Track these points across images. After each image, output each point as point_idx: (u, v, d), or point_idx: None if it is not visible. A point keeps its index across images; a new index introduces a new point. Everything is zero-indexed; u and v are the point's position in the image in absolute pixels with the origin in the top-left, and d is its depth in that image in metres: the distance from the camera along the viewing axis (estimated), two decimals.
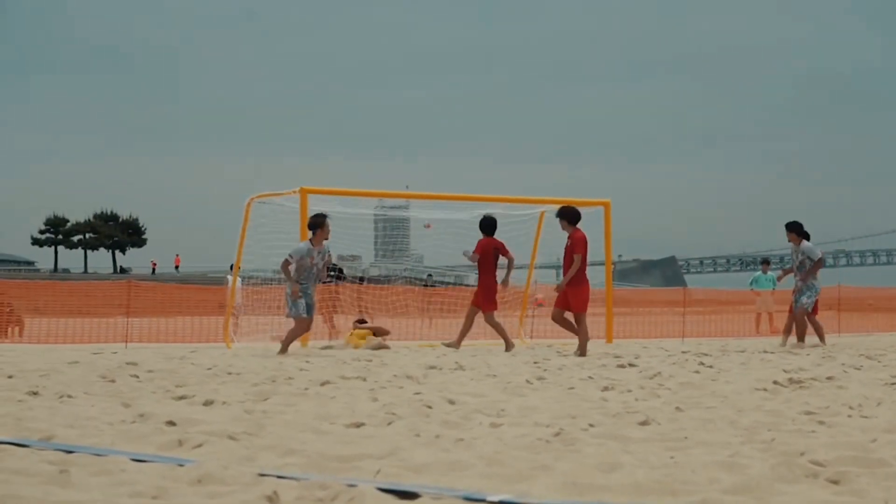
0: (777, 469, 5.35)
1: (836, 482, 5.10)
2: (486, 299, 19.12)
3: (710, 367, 13.33)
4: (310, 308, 16.93)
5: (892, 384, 10.57)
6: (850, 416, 7.86)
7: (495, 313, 19.47)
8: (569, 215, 17.34)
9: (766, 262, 35.58)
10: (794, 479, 5.18)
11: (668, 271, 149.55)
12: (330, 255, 17.29)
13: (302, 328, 16.98)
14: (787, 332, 20.17)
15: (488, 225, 19.48)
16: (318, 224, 16.95)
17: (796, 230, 20.26)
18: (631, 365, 13.67)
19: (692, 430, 7.01)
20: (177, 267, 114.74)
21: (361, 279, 29.04)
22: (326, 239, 17.07)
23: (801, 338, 19.69)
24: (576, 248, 17.18)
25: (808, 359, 15.06)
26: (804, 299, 19.89)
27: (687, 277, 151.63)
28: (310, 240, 17.01)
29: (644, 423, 7.36)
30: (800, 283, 19.99)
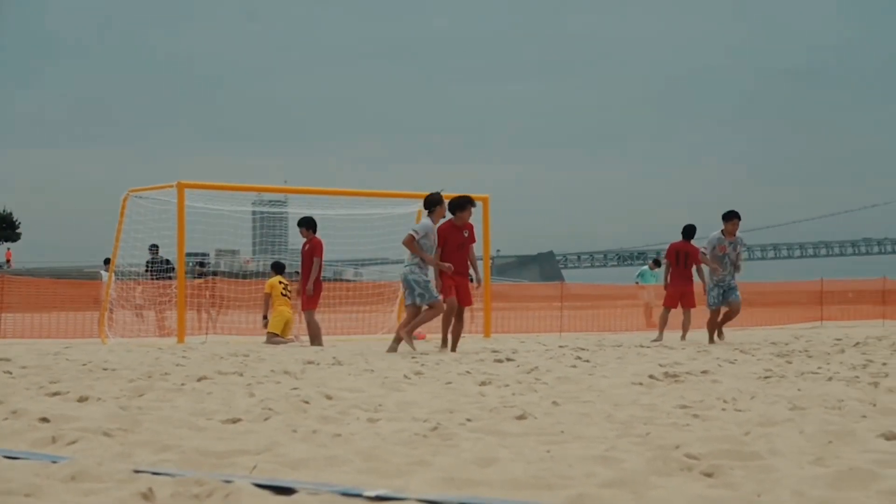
0: (652, 462, 5.40)
1: (710, 475, 5.15)
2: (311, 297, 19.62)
3: (587, 361, 13.43)
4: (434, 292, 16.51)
5: (766, 378, 10.72)
6: (724, 409, 7.96)
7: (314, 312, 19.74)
8: (449, 205, 16.94)
9: (656, 261, 36.14)
10: (669, 472, 5.23)
11: (545, 266, 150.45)
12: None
13: (439, 312, 16.54)
14: (716, 328, 19.51)
15: (305, 223, 19.83)
16: (437, 202, 16.63)
17: (739, 219, 19.13)
18: (508, 360, 13.72)
19: (569, 425, 7.05)
20: (7, 261, 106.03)
21: (214, 273, 28.73)
22: (443, 217, 16.72)
23: (719, 333, 19.46)
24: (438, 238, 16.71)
25: (683, 353, 15.24)
26: (737, 293, 19.15)
27: (564, 272, 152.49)
28: (430, 217, 16.65)
29: (521, 418, 7.38)
30: (730, 279, 19.07)
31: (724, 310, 19.32)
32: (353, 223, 26.26)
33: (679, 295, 21.24)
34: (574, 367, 12.51)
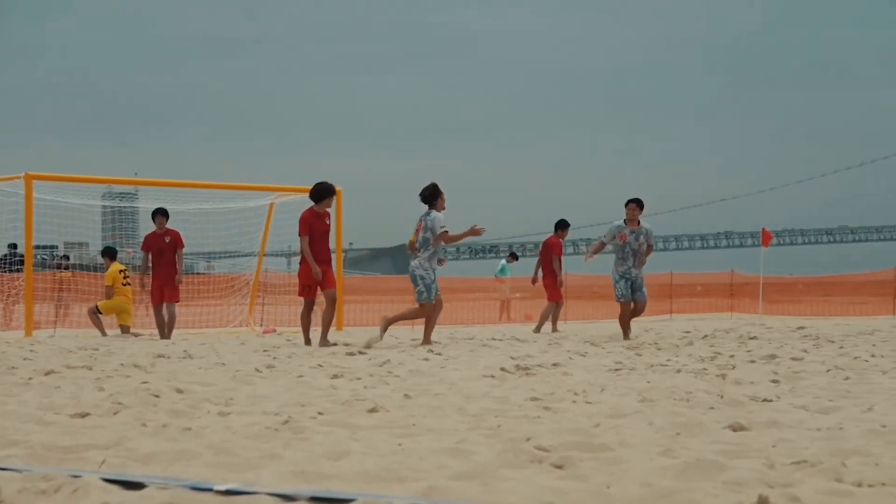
0: (503, 455, 5.43)
1: (560, 467, 5.19)
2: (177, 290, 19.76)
3: (439, 354, 13.46)
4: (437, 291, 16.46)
5: (616, 370, 10.83)
6: (574, 401, 8.03)
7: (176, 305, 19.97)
8: (313, 192, 16.80)
9: (514, 255, 36.54)
10: (520, 464, 5.26)
11: (398, 259, 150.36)
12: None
13: (427, 312, 16.46)
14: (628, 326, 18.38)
15: (165, 212, 19.88)
16: (437, 194, 16.48)
17: (643, 208, 18.23)
18: (360, 353, 13.71)
19: (420, 418, 7.06)
20: None
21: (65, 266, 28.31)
22: (444, 209, 16.57)
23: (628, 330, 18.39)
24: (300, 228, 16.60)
25: (534, 346, 15.33)
26: (643, 291, 18.22)
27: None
28: (434, 209, 16.46)
29: (373, 411, 7.38)
30: (636, 272, 18.09)
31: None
32: (204, 216, 26.07)
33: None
34: (426, 360, 12.53)
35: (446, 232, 16.24)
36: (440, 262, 16.26)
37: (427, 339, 16.24)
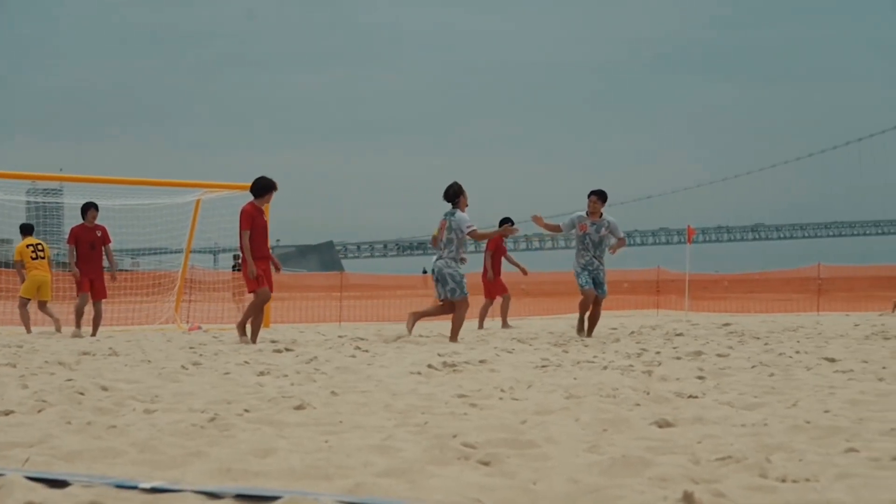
0: (430, 451, 5.43)
1: (486, 464, 5.20)
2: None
3: (366, 351, 13.44)
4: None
5: (543, 367, 10.87)
6: (501, 398, 8.04)
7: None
8: (255, 188, 16.63)
9: None
10: (447, 461, 5.26)
11: (325, 256, 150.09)
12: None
13: (468, 307, 16.47)
14: (593, 322, 17.86)
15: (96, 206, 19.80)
16: (460, 192, 16.42)
17: (605, 200, 17.72)
18: (287, 350, 13.67)
19: (347, 415, 7.05)
20: None
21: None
22: (467, 206, 16.52)
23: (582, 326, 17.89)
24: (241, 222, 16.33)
25: (462, 343, 15.36)
26: (604, 288, 17.71)
27: (345, 262, 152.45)
28: (457, 208, 16.44)
29: (299, 408, 7.35)
30: (597, 264, 17.60)
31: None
32: (130, 213, 25.91)
33: (501, 284, 22.05)
34: (353, 356, 12.51)
35: (475, 230, 16.29)
36: (462, 260, 16.25)
37: (455, 337, 16.25)
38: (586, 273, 17.56)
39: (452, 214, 16.28)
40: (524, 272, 24.72)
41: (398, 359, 11.98)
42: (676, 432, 6.18)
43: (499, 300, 23.38)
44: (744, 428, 6.32)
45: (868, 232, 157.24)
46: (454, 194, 16.44)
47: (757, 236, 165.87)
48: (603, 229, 17.53)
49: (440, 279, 16.28)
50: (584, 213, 17.63)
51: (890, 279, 39.75)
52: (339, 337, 17.67)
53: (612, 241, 17.74)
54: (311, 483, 4.76)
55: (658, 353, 12.73)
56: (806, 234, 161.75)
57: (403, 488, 4.60)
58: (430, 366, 10.75)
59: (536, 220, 18.05)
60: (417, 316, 16.78)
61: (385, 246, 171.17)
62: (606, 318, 28.22)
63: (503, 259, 23.71)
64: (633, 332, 18.12)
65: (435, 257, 16.43)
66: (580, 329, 17.67)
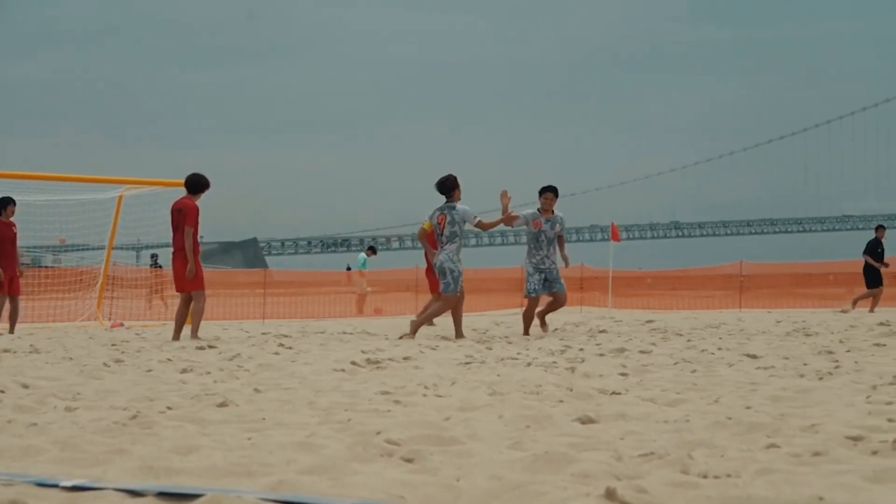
0: (353, 448, 5.42)
1: (410, 460, 5.20)
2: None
3: (290, 348, 13.40)
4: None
5: (467, 364, 10.88)
6: (425, 395, 8.04)
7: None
8: (193, 184, 16.48)
9: (373, 249, 36.59)
10: (370, 458, 5.25)
11: (249, 253, 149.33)
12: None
13: (452, 304, 16.34)
14: (541, 318, 17.59)
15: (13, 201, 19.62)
16: (456, 185, 16.39)
17: (554, 194, 17.34)
18: (210, 347, 13.60)
19: (270, 412, 7.02)
20: None
21: None
22: (548, 209, 16.54)
23: (542, 323, 17.68)
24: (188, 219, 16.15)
25: (386, 340, 15.35)
26: (562, 283, 17.29)
27: (269, 259, 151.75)
28: (537, 208, 16.47)
29: (222, 405, 7.32)
30: (549, 262, 17.16)
31: (548, 299, 17.59)
32: (52, 208, 25.69)
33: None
34: (277, 353, 12.48)
35: (481, 221, 16.32)
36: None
37: (459, 333, 16.19)
38: (538, 275, 17.17)
39: (453, 208, 16.22)
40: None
41: (322, 356, 11.96)
42: (599, 429, 6.21)
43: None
44: (666, 424, 6.36)
45: (790, 230, 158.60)
46: (451, 187, 16.38)
47: (680, 234, 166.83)
48: (557, 226, 17.25)
49: (440, 272, 16.32)
50: (535, 211, 17.34)
51: (811, 276, 40.17)
52: (263, 334, 17.62)
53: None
54: (233, 480, 4.74)
55: (581, 349, 12.78)
56: (728, 232, 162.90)
57: (326, 485, 4.59)
58: (353, 363, 10.74)
59: (504, 196, 16.93)
60: (418, 324, 16.60)
61: (309, 243, 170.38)
62: None
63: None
64: (556, 329, 18.18)
65: (438, 251, 16.41)
66: (526, 332, 17.22)
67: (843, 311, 26.96)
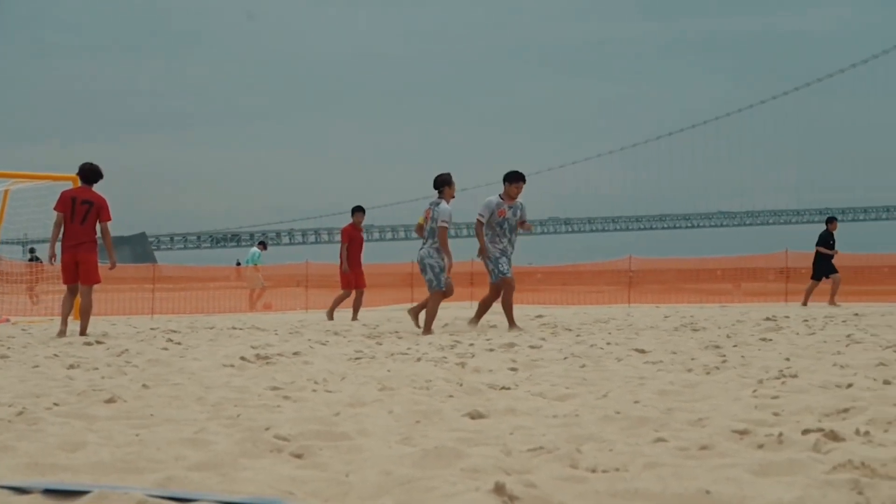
0: (242, 444, 5.39)
1: (299, 456, 5.18)
2: None
3: (179, 343, 13.31)
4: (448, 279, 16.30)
5: (357, 359, 10.87)
6: (314, 390, 8.03)
7: None
8: (87, 175, 16.17)
9: (263, 244, 36.43)
10: (259, 454, 5.23)
11: (138, 248, 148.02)
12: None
13: (439, 301, 16.35)
14: (484, 310, 17.40)
15: None
16: (446, 182, 16.34)
17: (525, 182, 17.09)
18: (98, 342, 13.47)
19: (159, 408, 6.97)
20: None
21: None
22: (453, 197, 16.41)
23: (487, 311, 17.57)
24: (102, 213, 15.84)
25: (275, 335, 15.29)
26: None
27: (157, 254, 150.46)
28: (499, 195, 16.43)
29: (110, 401, 7.25)
30: (511, 250, 16.93)
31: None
32: None
33: (356, 276, 21.95)
34: (165, 349, 12.38)
35: (444, 230, 16.18)
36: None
37: (428, 329, 16.10)
38: (505, 259, 16.87)
39: (437, 205, 16.26)
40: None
41: (211, 351, 11.89)
42: (489, 424, 6.23)
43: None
44: (555, 419, 6.40)
45: (678, 225, 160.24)
46: (440, 183, 16.40)
47: (570, 229, 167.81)
48: (518, 212, 16.98)
49: (421, 269, 16.39)
50: (498, 199, 16.92)
51: (699, 272, 40.57)
52: (152, 329, 17.47)
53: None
54: (121, 477, 4.70)
55: (471, 344, 12.81)
56: (618, 227, 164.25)
57: (215, 481, 4.57)
58: (243, 358, 10.69)
59: (481, 250, 16.84)
60: (416, 310, 16.78)
61: (198, 238, 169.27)
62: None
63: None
64: (446, 325, 18.20)
65: (420, 247, 16.45)
66: (477, 320, 17.22)
67: (803, 305, 27.23)
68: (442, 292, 16.31)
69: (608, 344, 12.68)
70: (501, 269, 16.73)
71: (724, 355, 10.74)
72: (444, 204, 16.30)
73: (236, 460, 5.01)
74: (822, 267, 27.99)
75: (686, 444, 5.31)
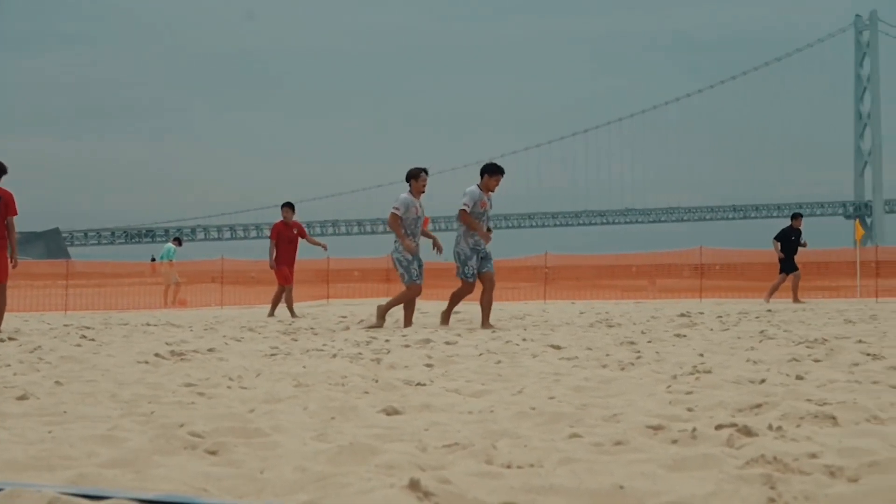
0: (156, 441, 5.36)
1: (213, 453, 5.16)
2: None
3: (93, 340, 13.20)
4: (421, 271, 16.30)
5: (272, 356, 10.84)
6: (229, 387, 7.99)
7: None
8: None
9: (178, 240, 36.22)
10: (173, 450, 5.20)
11: (51, 244, 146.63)
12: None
13: (413, 294, 16.35)
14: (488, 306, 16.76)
15: None
16: (412, 175, 16.31)
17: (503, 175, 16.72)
18: (11, 339, 13.32)
19: (72, 405, 6.91)
20: None
21: None
22: (423, 192, 16.33)
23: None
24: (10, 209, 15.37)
25: (190, 332, 15.21)
26: (491, 263, 16.72)
27: (71, 250, 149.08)
28: (409, 191, 16.29)
29: (22, 398, 7.18)
30: (484, 244, 16.59)
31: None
32: None
33: (290, 272, 22.29)
34: (79, 345, 12.28)
35: (393, 216, 16.31)
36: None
37: (409, 321, 16.30)
38: (476, 257, 16.46)
39: (398, 199, 16.38)
40: (324, 248, 24.70)
41: (125, 348, 11.80)
42: (404, 420, 6.23)
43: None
44: (470, 415, 6.41)
45: (594, 222, 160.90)
46: (407, 177, 16.51)
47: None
48: (491, 204, 16.68)
49: (394, 266, 16.55)
50: (478, 189, 16.51)
51: (614, 268, 40.82)
52: (65, 326, 17.31)
53: None
54: (33, 475, 4.65)
55: (387, 340, 12.81)
56: (533, 224, 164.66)
57: (129, 478, 4.54)
58: (157, 355, 10.62)
59: (483, 235, 16.63)
60: (384, 309, 16.48)
61: (113, 233, 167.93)
62: (336, 307, 28.35)
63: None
64: (362, 321, 18.20)
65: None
66: (447, 319, 16.89)
67: (767, 301, 27.33)
68: (417, 285, 16.43)
69: (524, 340, 12.72)
70: (467, 272, 16.50)
71: (639, 351, 10.82)
72: (403, 196, 16.40)
73: (150, 457, 4.98)
74: (784, 263, 28.12)
75: (601, 439, 5.34)
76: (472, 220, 16.37)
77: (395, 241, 16.40)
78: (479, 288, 16.72)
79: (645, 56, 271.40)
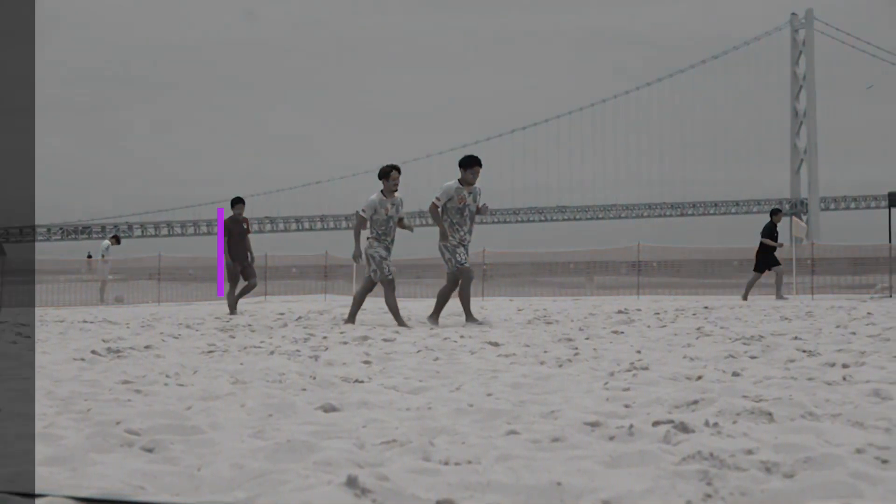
0: (92, 439, 5.33)
1: (150, 450, 5.14)
2: None
3: (28, 337, 13.11)
4: (390, 267, 16.19)
5: (210, 353, 10.80)
6: (166, 384, 7.96)
7: None
8: None
9: (117, 238, 35.96)
10: (109, 448, 5.17)
11: None
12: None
13: (391, 288, 16.21)
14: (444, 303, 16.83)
15: None
16: (383, 174, 16.28)
17: (481, 166, 16.46)
18: None
19: (7, 402, 6.85)
20: None
21: None
22: (395, 190, 16.21)
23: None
24: None
25: (127, 328, 15.12)
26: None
27: (7, 246, 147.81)
28: (380, 191, 16.22)
29: None
30: (469, 238, 16.45)
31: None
32: None
33: (243, 269, 22.14)
34: (14, 343, 12.19)
35: (358, 217, 16.35)
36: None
37: (399, 321, 16.06)
38: (463, 248, 16.35)
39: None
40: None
41: (61, 345, 11.72)
42: (342, 417, 6.23)
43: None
44: (408, 412, 6.42)
45: (531, 219, 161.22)
46: (378, 175, 16.49)
47: (425, 222, 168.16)
48: (477, 197, 16.42)
49: (366, 260, 16.39)
50: (458, 184, 16.28)
51: (552, 265, 40.91)
52: (1, 323, 17.17)
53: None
54: None
55: (325, 338, 12.80)
56: (480, 221, 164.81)
57: (65, 476, 4.51)
58: (94, 352, 10.56)
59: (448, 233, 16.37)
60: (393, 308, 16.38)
61: (49, 230, 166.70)
62: (274, 304, 28.25)
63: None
64: (300, 318, 18.17)
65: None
66: (436, 315, 16.69)
67: (744, 299, 27.36)
68: (389, 280, 16.30)
69: (462, 337, 12.74)
70: (459, 259, 16.29)
71: (577, 348, 10.86)
72: (373, 195, 16.34)
73: (86, 455, 4.95)
74: (766, 259, 28.16)
75: (538, 436, 5.36)
76: (437, 215, 16.37)
77: (372, 238, 16.34)
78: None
79: (580, 54, 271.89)
